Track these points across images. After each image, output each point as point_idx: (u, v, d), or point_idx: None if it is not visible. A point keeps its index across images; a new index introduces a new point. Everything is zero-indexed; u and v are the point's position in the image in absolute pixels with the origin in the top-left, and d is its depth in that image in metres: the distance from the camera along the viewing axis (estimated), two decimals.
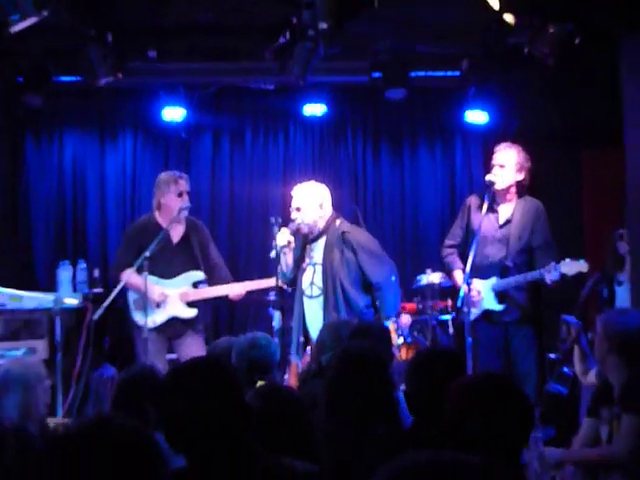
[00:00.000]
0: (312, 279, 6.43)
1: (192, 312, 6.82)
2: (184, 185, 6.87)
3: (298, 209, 6.38)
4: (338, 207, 7.31)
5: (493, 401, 2.71)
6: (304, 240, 6.50)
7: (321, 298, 6.35)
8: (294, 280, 6.54)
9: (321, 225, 6.42)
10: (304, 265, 6.48)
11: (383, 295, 6.32)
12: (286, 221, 6.46)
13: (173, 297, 6.74)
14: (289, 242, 6.32)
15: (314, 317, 6.36)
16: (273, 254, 6.31)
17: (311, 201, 6.41)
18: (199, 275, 6.87)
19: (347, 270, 6.27)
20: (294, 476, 2.50)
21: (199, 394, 2.49)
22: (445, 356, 3.83)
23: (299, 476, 2.50)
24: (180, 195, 6.82)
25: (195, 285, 6.87)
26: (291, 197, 6.48)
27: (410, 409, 3.68)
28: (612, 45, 6.30)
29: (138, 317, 6.74)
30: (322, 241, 6.42)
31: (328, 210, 6.47)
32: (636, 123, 6.35)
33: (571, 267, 6.14)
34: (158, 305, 6.67)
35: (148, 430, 1.85)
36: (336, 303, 6.21)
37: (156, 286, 6.63)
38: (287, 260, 6.47)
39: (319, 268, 6.39)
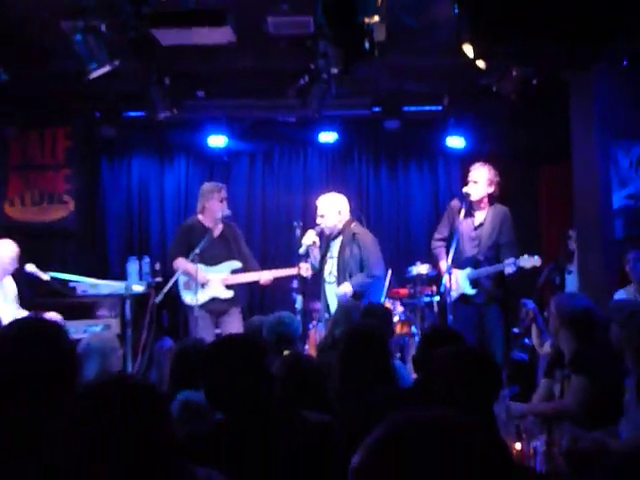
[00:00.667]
0: (330, 269, 6.54)
1: (229, 293, 6.83)
2: (224, 193, 6.93)
3: (322, 216, 6.56)
4: None
5: (472, 369, 2.75)
6: (327, 239, 6.62)
7: (335, 284, 6.45)
8: (320, 270, 6.61)
9: (339, 227, 6.56)
10: (327, 258, 6.57)
11: (375, 284, 6.43)
12: (306, 225, 6.63)
13: (214, 281, 6.77)
14: (314, 242, 6.47)
15: (332, 299, 6.46)
16: (302, 250, 6.45)
17: (332, 209, 6.58)
18: (236, 264, 6.89)
19: (354, 263, 6.35)
20: (310, 424, 2.49)
21: (234, 365, 2.48)
22: (447, 332, 3.88)
23: (314, 424, 2.49)
24: (221, 201, 6.85)
25: (233, 272, 6.88)
26: (312, 206, 6.64)
27: (417, 371, 3.71)
28: (562, 83, 6.28)
29: (187, 297, 6.78)
30: (339, 239, 6.55)
31: (345, 215, 6.63)
32: (581, 145, 6.35)
33: (527, 262, 6.22)
34: (202, 286, 6.67)
35: (157, 388, 1.82)
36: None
37: (201, 271, 6.63)
38: (314, 255, 6.58)
39: (335, 261, 6.49)
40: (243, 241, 7.16)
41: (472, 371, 2.72)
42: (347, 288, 6.27)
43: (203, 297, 6.70)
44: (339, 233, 6.56)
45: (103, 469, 1.53)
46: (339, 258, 6.46)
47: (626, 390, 3.59)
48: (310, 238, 6.45)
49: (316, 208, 6.67)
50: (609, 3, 4.56)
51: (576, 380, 4.03)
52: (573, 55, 5.22)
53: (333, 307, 6.38)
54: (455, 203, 6.76)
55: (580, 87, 6.23)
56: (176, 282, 6.73)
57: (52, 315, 6.10)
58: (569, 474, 3.18)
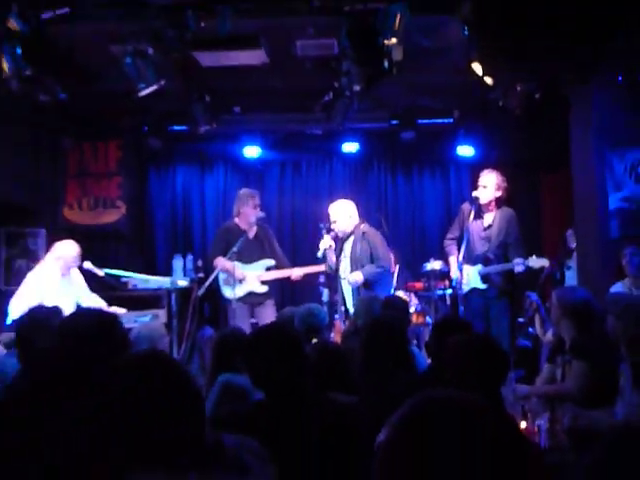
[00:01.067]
0: (345, 267, 6.54)
1: (264, 288, 6.86)
2: (258, 200, 6.95)
3: (335, 222, 6.58)
4: (367, 215, 7.39)
5: (482, 355, 2.73)
6: (341, 242, 6.62)
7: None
8: (337, 269, 6.60)
9: (351, 229, 6.56)
10: (341, 258, 6.56)
11: (384, 275, 6.45)
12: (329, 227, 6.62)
13: (251, 277, 6.80)
14: (330, 245, 6.51)
15: (348, 293, 6.47)
16: (320, 254, 6.53)
17: (343, 214, 6.61)
18: (270, 262, 6.91)
19: (365, 258, 6.40)
20: (338, 405, 2.49)
21: (272, 352, 2.49)
22: (457, 322, 3.85)
23: (342, 405, 2.49)
24: (255, 207, 6.87)
25: (267, 269, 6.90)
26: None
27: (430, 356, 3.69)
28: (561, 98, 6.23)
29: (226, 291, 6.81)
30: (350, 239, 6.55)
31: (355, 218, 6.63)
32: (580, 153, 6.30)
33: (536, 262, 6.21)
34: (240, 282, 6.70)
35: (183, 365, 1.85)
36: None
37: (239, 269, 6.67)
38: (331, 257, 6.58)
39: (348, 260, 6.50)
40: (275, 241, 7.18)
41: (482, 357, 2.70)
42: (358, 276, 6.28)
43: (241, 291, 6.73)
44: (350, 234, 6.56)
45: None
46: (352, 255, 6.47)
47: (621, 375, 3.56)
48: (326, 243, 6.51)
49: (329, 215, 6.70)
50: (602, 28, 4.53)
51: (576, 365, 4.00)
52: (572, 73, 5.19)
53: (349, 301, 6.44)
54: (466, 206, 6.74)
55: (578, 101, 6.18)
56: (217, 278, 6.77)
57: (115, 309, 6.17)
58: (570, 449, 3.16)
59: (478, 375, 2.64)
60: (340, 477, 2.34)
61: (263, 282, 6.86)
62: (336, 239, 6.60)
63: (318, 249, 6.55)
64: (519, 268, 6.23)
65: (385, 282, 6.50)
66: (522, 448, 0.94)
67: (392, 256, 6.72)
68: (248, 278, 6.78)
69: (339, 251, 6.63)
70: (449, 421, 0.94)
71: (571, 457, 3.00)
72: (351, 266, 6.44)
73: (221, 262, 6.66)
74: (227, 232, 6.90)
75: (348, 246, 6.56)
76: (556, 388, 4.14)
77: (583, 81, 5.67)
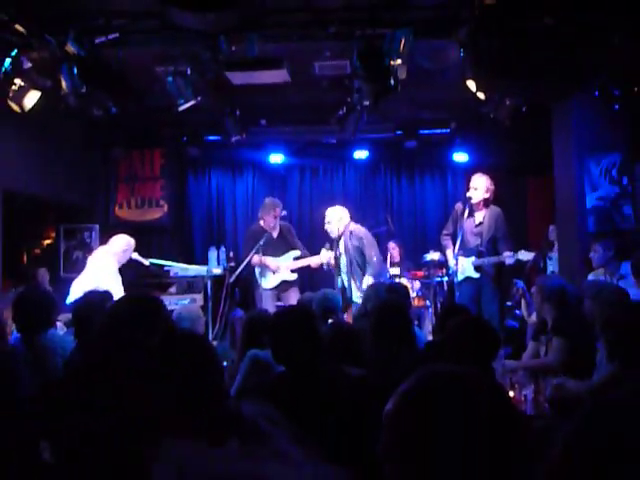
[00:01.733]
0: (344, 263, 6.48)
1: (294, 276, 6.88)
2: (279, 211, 6.92)
3: (329, 222, 6.55)
4: (375, 215, 7.38)
5: (477, 334, 2.70)
6: (336, 242, 6.54)
7: (347, 273, 6.45)
8: (338, 266, 6.55)
9: (342, 229, 6.49)
10: (337, 255, 6.50)
11: (374, 263, 6.42)
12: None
13: (283, 267, 6.80)
14: (329, 257, 6.49)
15: (347, 283, 6.46)
16: (325, 267, 6.59)
17: (335, 217, 6.54)
18: (296, 252, 6.92)
19: (357, 254, 6.40)
20: (350, 377, 2.47)
21: (291, 332, 2.47)
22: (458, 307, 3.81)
23: (353, 378, 2.47)
24: (275, 217, 6.86)
25: (295, 259, 6.90)
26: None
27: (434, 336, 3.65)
28: (546, 110, 6.17)
29: (263, 282, 6.86)
30: (342, 239, 6.50)
31: (345, 220, 6.57)
32: (561, 158, 6.26)
33: (525, 255, 6.13)
34: (274, 272, 6.75)
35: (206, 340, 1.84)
36: (352, 274, 6.39)
37: (273, 262, 6.72)
38: (332, 265, 6.54)
39: (344, 257, 6.46)
40: (295, 236, 7.18)
41: (477, 336, 2.68)
42: (368, 281, 6.24)
43: (275, 281, 6.80)
44: (342, 234, 6.49)
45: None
46: (346, 253, 6.43)
47: (597, 351, 3.52)
48: (326, 256, 6.50)
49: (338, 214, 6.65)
50: (582, 50, 4.47)
51: (556, 341, 3.98)
52: (555, 90, 5.12)
53: (349, 290, 6.41)
54: (459, 206, 6.66)
55: (560, 113, 6.14)
56: (253, 271, 6.85)
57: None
58: (552, 417, 3.13)
59: (473, 351, 2.62)
60: (351, 440, 2.31)
61: (292, 271, 6.87)
62: (332, 241, 6.54)
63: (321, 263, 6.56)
64: (510, 260, 6.15)
65: (383, 273, 6.61)
66: (513, 415, 0.92)
67: (377, 252, 6.62)
68: (281, 269, 6.82)
69: (335, 251, 6.55)
70: (451, 391, 0.92)
71: (553, 423, 2.96)
72: (348, 262, 6.41)
73: (257, 260, 6.69)
74: (254, 233, 6.88)
75: (342, 245, 6.52)
76: (540, 362, 4.11)
77: (565, 96, 5.61)
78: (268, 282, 6.78)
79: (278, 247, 6.85)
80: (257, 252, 6.52)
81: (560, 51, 4.49)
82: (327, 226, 6.53)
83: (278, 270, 6.80)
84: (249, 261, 6.67)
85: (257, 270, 6.85)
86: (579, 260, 5.94)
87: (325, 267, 6.56)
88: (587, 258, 5.66)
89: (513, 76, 4.71)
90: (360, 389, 2.44)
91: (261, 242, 6.47)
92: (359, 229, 6.56)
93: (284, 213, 6.95)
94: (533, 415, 3.16)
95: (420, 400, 0.94)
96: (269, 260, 6.75)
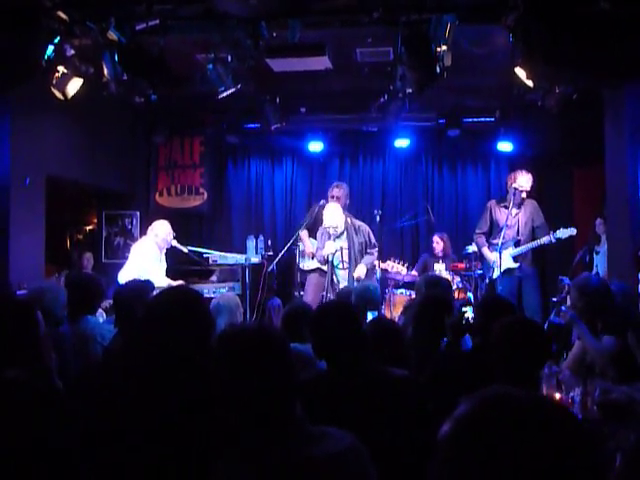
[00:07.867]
0: (340, 258, 6.36)
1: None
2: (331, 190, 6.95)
3: (333, 220, 6.33)
4: (415, 205, 7.23)
5: (529, 339, 2.57)
6: (334, 238, 6.36)
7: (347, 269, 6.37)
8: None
9: (342, 224, 6.36)
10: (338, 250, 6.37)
11: (373, 253, 6.40)
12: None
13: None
14: (335, 249, 6.24)
15: (342, 280, 6.37)
16: (331, 258, 6.22)
17: (334, 214, 6.34)
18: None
19: (360, 246, 6.35)
20: (393, 378, 2.38)
21: (335, 326, 2.40)
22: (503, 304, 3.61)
23: (396, 378, 2.38)
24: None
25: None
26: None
27: (474, 336, 3.48)
28: (597, 99, 5.92)
29: (302, 263, 6.99)
30: (344, 235, 6.40)
31: (343, 216, 6.44)
32: (613, 149, 6.01)
33: (564, 232, 6.30)
34: (312, 257, 6.83)
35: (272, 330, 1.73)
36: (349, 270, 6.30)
37: (312, 247, 6.82)
38: (337, 257, 6.36)
39: (346, 251, 6.36)
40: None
41: (527, 342, 2.53)
42: (362, 270, 6.18)
43: (312, 265, 6.81)
44: (344, 230, 6.37)
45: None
46: (349, 248, 6.32)
47: None
48: (332, 248, 6.19)
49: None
50: (634, 36, 4.28)
51: (607, 340, 3.79)
52: (607, 78, 4.92)
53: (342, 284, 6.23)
54: (492, 203, 6.84)
55: (612, 101, 5.88)
56: (296, 251, 7.00)
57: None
58: (602, 420, 2.99)
59: (523, 358, 2.48)
60: (391, 442, 2.23)
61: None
62: (329, 236, 6.33)
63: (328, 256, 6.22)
64: (547, 240, 6.30)
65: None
66: (595, 459, 0.80)
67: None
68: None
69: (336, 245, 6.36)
70: (518, 423, 0.81)
71: (605, 429, 2.83)
72: (353, 256, 6.29)
73: (305, 236, 6.98)
74: (312, 210, 7.07)
75: (344, 240, 6.37)
76: (595, 346, 3.86)
77: (617, 84, 5.38)
78: (303, 263, 6.85)
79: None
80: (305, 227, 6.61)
81: (612, 37, 4.32)
82: (330, 222, 6.29)
83: (310, 256, 6.83)
84: (297, 235, 6.81)
85: (298, 253, 6.90)
86: (629, 256, 5.71)
87: (330, 258, 6.26)
88: (638, 255, 5.45)
89: (564, 63, 4.54)
90: (403, 390, 2.35)
91: (309, 218, 6.50)
92: (363, 225, 6.52)
93: (323, 202, 6.86)
94: (581, 419, 3.02)
95: (479, 430, 0.82)
96: (307, 243, 6.78)
